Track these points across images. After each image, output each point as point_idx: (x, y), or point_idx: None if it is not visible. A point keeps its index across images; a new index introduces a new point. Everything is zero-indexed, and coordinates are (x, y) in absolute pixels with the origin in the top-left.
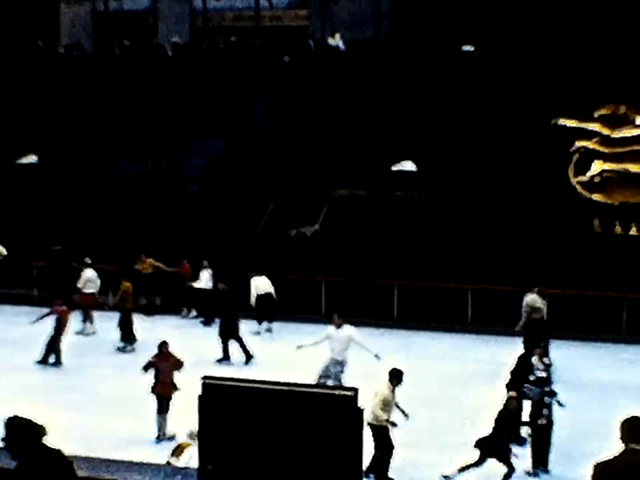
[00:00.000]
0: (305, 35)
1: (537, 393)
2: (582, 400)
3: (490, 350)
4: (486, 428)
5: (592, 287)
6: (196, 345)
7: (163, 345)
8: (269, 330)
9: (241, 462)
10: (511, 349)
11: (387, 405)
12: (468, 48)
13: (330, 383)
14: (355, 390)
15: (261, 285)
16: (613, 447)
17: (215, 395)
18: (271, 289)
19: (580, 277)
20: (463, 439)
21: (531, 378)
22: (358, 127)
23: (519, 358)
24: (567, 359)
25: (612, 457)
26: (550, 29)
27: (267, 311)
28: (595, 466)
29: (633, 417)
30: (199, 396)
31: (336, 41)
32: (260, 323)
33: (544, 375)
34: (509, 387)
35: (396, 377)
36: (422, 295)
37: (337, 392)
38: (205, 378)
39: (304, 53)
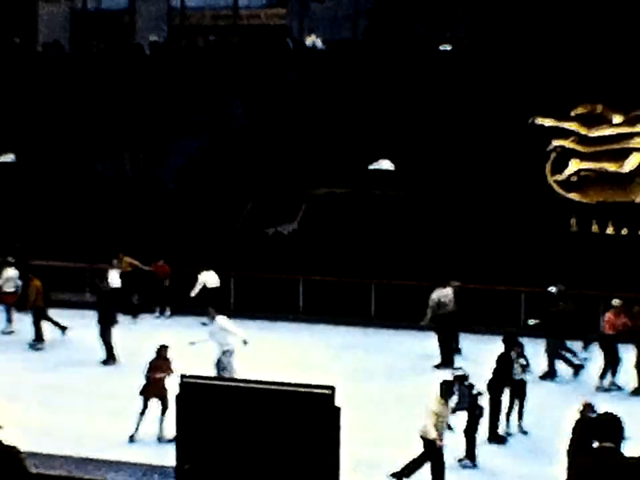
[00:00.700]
0: (284, 34)
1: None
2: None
3: (466, 348)
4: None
5: (569, 285)
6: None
7: (163, 349)
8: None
9: (218, 460)
10: (486, 348)
11: (439, 419)
12: (446, 47)
13: (227, 374)
14: (332, 388)
15: (210, 279)
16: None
17: (192, 393)
18: (218, 284)
19: (557, 275)
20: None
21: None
22: (336, 126)
23: (499, 357)
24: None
25: (586, 455)
26: (527, 28)
27: (214, 304)
28: (571, 463)
29: (607, 414)
30: (177, 395)
31: (314, 40)
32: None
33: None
34: (490, 386)
35: (447, 389)
36: (400, 294)
37: (314, 390)
38: (183, 377)
39: (282, 51)
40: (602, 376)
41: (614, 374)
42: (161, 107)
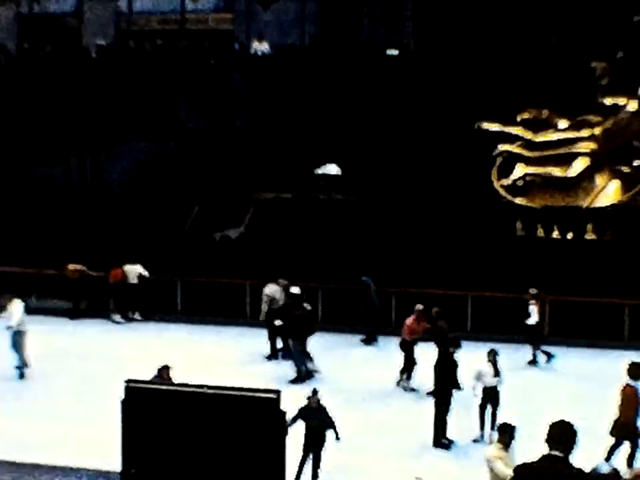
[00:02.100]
0: (231, 39)
1: None
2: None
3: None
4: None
5: (513, 289)
6: (120, 348)
7: (164, 370)
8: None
9: (164, 465)
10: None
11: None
12: (392, 52)
13: None
14: (278, 392)
15: (131, 272)
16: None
17: (138, 398)
18: (136, 280)
19: (502, 279)
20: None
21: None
22: (283, 131)
23: (438, 361)
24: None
25: (532, 461)
26: (473, 33)
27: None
28: (515, 468)
29: (560, 422)
30: (122, 400)
31: (261, 45)
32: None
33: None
34: (435, 391)
35: (508, 432)
36: (346, 298)
37: (260, 394)
38: (128, 381)
39: (229, 56)
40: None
41: (409, 377)
42: (107, 111)
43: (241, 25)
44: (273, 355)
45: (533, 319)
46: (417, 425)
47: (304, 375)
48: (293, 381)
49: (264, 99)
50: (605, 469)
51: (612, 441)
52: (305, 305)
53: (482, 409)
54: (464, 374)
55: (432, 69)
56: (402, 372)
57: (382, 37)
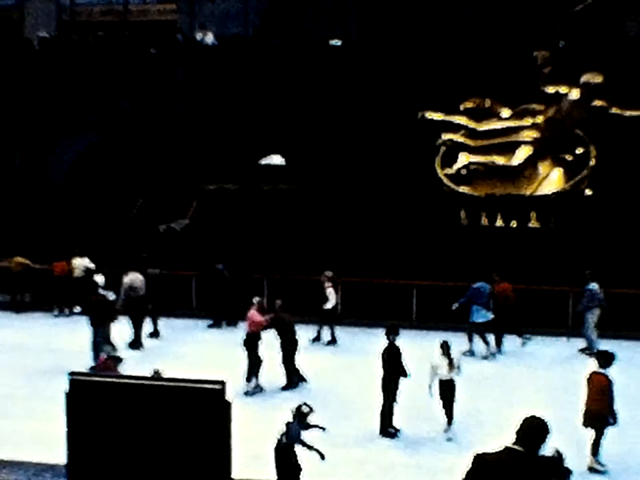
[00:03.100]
0: (174, 30)
1: None
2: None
3: (356, 341)
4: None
5: (458, 277)
6: (63, 341)
7: (109, 361)
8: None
9: (110, 457)
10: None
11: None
12: (335, 42)
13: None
14: (223, 383)
15: (78, 265)
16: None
17: (82, 391)
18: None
19: (447, 268)
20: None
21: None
22: (226, 121)
23: (384, 350)
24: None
25: (492, 451)
26: (416, 24)
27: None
28: (474, 457)
29: (530, 417)
30: (67, 393)
31: (205, 36)
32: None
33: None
34: (382, 381)
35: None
36: (292, 288)
37: (205, 385)
38: (72, 374)
39: (172, 47)
40: (248, 379)
41: (256, 376)
42: (50, 103)
43: (185, 16)
44: (138, 343)
45: (331, 303)
46: (361, 412)
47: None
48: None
49: (207, 90)
50: (549, 451)
51: (589, 431)
52: (105, 292)
53: (444, 400)
54: (410, 362)
55: (375, 58)
56: (248, 376)
57: (325, 27)
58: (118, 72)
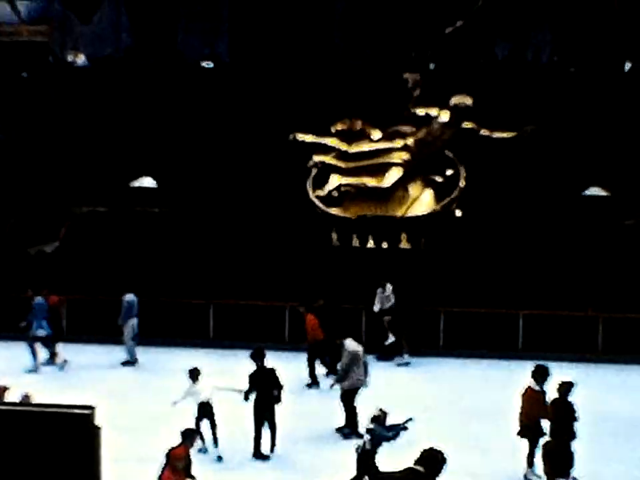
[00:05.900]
0: (45, 51)
1: None
2: None
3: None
4: None
5: (330, 298)
6: None
7: None
8: None
9: None
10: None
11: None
12: (207, 64)
13: None
14: (92, 408)
15: None
16: None
17: None
18: None
19: (319, 289)
20: None
21: None
22: (97, 143)
23: (250, 375)
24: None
25: (396, 471)
26: (287, 46)
27: None
28: (380, 476)
29: (429, 449)
30: None
31: (77, 57)
32: None
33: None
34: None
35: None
36: (167, 312)
37: (73, 411)
38: None
39: (43, 68)
40: None
41: None
42: None
43: (57, 37)
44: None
45: None
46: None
47: None
48: None
49: (79, 111)
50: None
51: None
52: None
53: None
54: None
55: (247, 80)
56: None
57: (197, 49)
58: None
